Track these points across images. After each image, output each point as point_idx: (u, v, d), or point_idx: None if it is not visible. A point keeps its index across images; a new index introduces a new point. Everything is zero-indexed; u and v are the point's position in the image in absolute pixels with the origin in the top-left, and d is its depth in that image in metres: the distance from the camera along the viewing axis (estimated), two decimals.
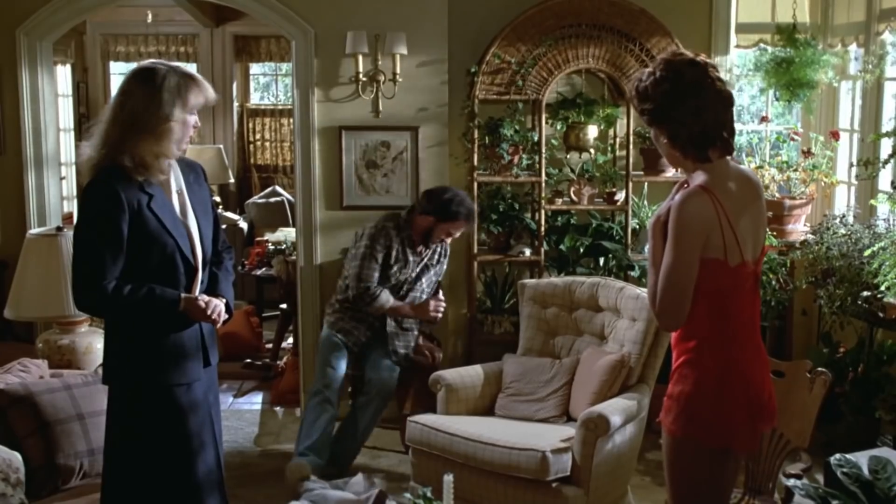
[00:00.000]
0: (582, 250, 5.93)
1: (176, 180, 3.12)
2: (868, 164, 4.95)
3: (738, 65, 6.05)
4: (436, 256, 5.16)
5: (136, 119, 2.94)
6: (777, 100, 5.84)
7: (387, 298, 4.96)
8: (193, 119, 3.05)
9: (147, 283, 2.97)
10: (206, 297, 3.07)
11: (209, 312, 3.05)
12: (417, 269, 5.08)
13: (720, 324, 2.79)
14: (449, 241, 5.14)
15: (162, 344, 3.04)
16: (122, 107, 2.97)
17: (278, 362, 6.78)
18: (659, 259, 2.77)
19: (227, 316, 3.14)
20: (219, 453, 3.24)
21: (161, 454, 3.09)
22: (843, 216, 5.28)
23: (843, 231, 5.15)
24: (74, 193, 7.40)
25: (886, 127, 5.20)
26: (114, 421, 3.13)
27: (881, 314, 4.84)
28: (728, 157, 2.82)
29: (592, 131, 5.85)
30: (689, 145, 2.77)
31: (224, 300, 3.16)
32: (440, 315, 5.10)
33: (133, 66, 3.10)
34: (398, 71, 5.52)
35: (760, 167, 5.76)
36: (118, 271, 2.95)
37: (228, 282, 3.26)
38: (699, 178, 2.77)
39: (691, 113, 2.73)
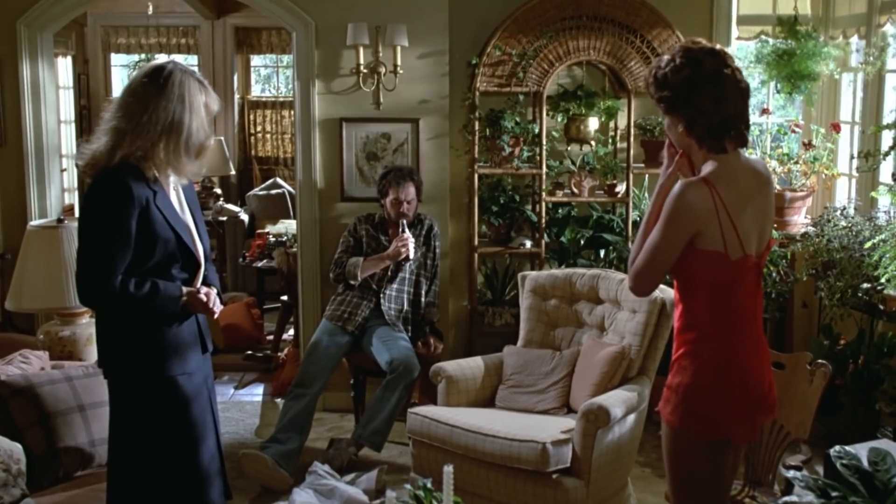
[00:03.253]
0: (582, 242, 5.94)
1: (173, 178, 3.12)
2: (869, 157, 4.95)
3: (739, 57, 6.03)
4: (420, 239, 5.30)
5: (151, 117, 2.93)
6: (778, 92, 5.83)
7: (355, 262, 5.19)
8: (206, 121, 3.05)
9: (149, 277, 2.98)
10: (205, 289, 3.11)
11: (210, 304, 3.08)
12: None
13: (720, 316, 2.79)
14: (407, 207, 5.21)
15: (162, 336, 3.05)
16: (134, 103, 2.96)
17: (279, 354, 6.79)
18: (650, 228, 2.81)
19: (221, 306, 3.18)
20: (219, 440, 3.26)
21: (166, 444, 3.10)
22: (844, 208, 5.28)
23: (843, 223, 5.15)
24: (76, 185, 7.40)
25: (887, 119, 5.20)
26: (116, 413, 3.13)
27: (881, 306, 4.85)
28: (740, 150, 2.81)
29: (593, 123, 5.86)
30: (705, 134, 2.75)
31: (215, 289, 3.19)
32: (408, 249, 5.12)
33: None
34: (399, 63, 5.52)
35: (762, 159, 5.76)
36: (124, 267, 2.96)
37: (214, 271, 3.30)
38: (706, 168, 2.77)
39: (711, 102, 2.72)
